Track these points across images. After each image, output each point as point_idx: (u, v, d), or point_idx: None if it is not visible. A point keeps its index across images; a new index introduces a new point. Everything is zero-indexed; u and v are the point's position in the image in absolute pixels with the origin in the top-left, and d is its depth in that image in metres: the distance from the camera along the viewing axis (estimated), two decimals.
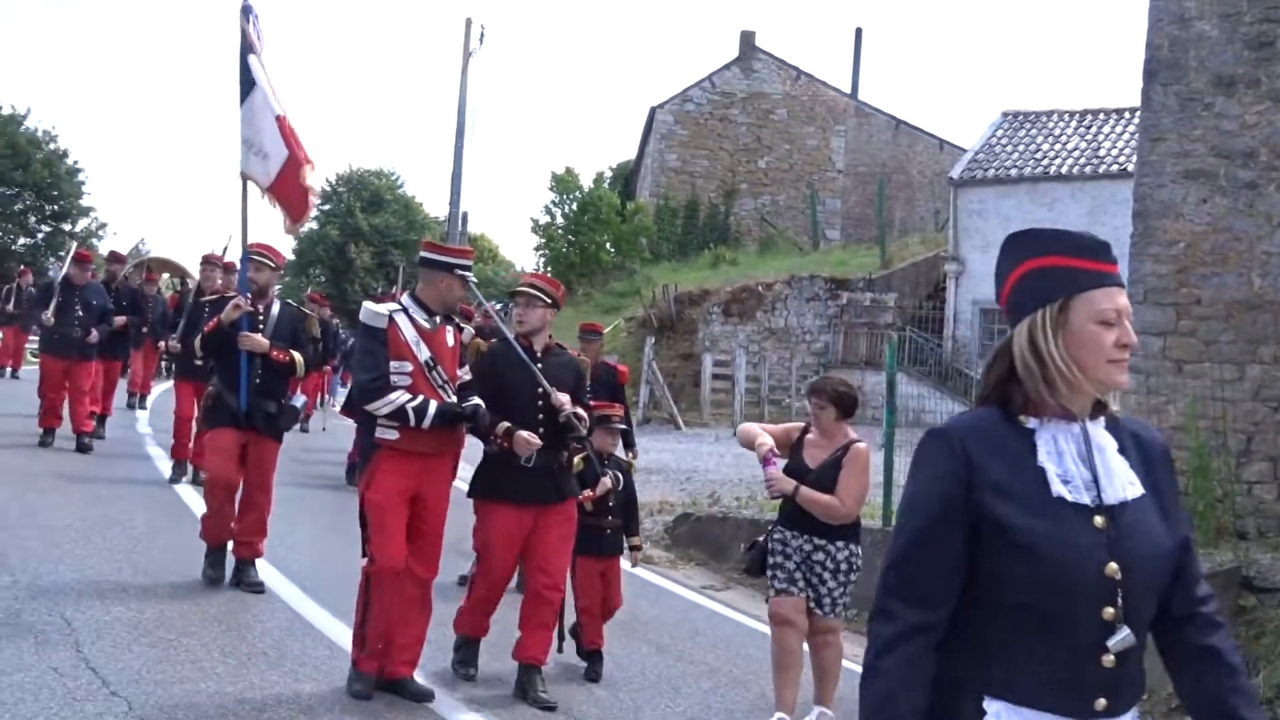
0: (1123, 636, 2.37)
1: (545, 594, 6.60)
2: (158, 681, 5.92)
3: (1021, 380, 2.47)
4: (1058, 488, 2.39)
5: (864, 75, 53.50)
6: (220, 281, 12.17)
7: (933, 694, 2.36)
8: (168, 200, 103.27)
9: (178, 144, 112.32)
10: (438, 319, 6.44)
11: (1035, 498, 2.38)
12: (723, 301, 30.19)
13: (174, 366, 13.17)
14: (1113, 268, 2.48)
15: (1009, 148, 29.34)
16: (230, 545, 8.22)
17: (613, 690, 7.01)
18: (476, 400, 6.45)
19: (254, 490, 8.27)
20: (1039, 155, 28.61)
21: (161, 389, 18.06)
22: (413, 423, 6.14)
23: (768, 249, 38.08)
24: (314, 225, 54.66)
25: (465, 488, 6.87)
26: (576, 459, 6.89)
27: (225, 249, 13.32)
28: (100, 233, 49.42)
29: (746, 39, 43.69)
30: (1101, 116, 29.41)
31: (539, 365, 6.65)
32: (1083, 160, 27.79)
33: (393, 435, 6.20)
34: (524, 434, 6.41)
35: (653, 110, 43.49)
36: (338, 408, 13.24)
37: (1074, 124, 29.49)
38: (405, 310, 6.39)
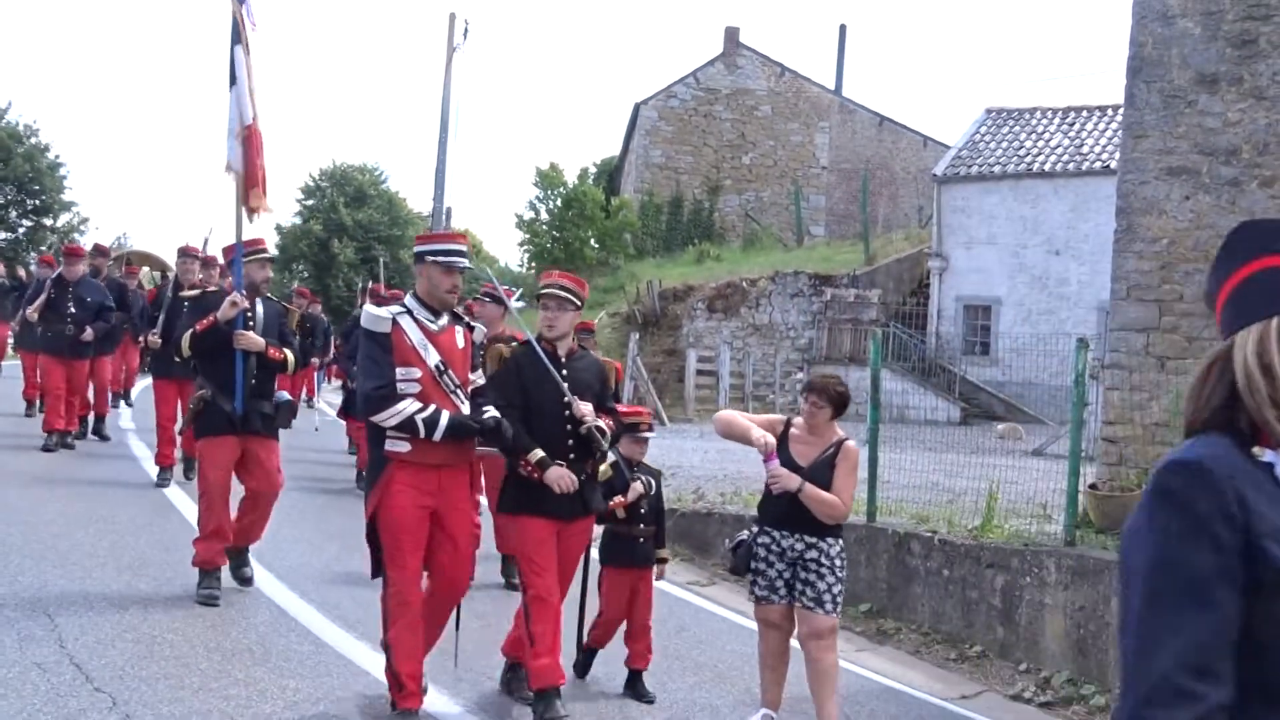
0: None
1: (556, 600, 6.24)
2: (142, 678, 5.91)
3: (1243, 402, 2.03)
4: None
5: (848, 72, 53.73)
6: (200, 275, 11.96)
7: None
8: (149, 194, 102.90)
9: (158, 137, 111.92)
10: (445, 318, 6.04)
11: None
12: (707, 297, 30.23)
13: (152, 364, 12.65)
14: None
15: (992, 145, 29.43)
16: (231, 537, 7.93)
17: (598, 685, 7.02)
18: (493, 412, 6.02)
19: (260, 497, 7.97)
20: (1022, 152, 28.71)
21: (143, 384, 17.85)
22: (423, 435, 5.72)
23: (752, 245, 38.12)
24: (297, 220, 54.66)
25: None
26: (604, 466, 6.46)
27: (205, 241, 13.06)
28: (82, 227, 49.16)
29: (731, 35, 43.69)
30: (1085, 114, 29.52)
31: (564, 372, 6.24)
32: (1066, 157, 27.90)
33: (403, 447, 5.78)
34: (560, 472, 6.03)
35: (637, 106, 43.47)
36: (320, 403, 12.97)
37: (1057, 121, 29.60)
38: (409, 311, 5.95)
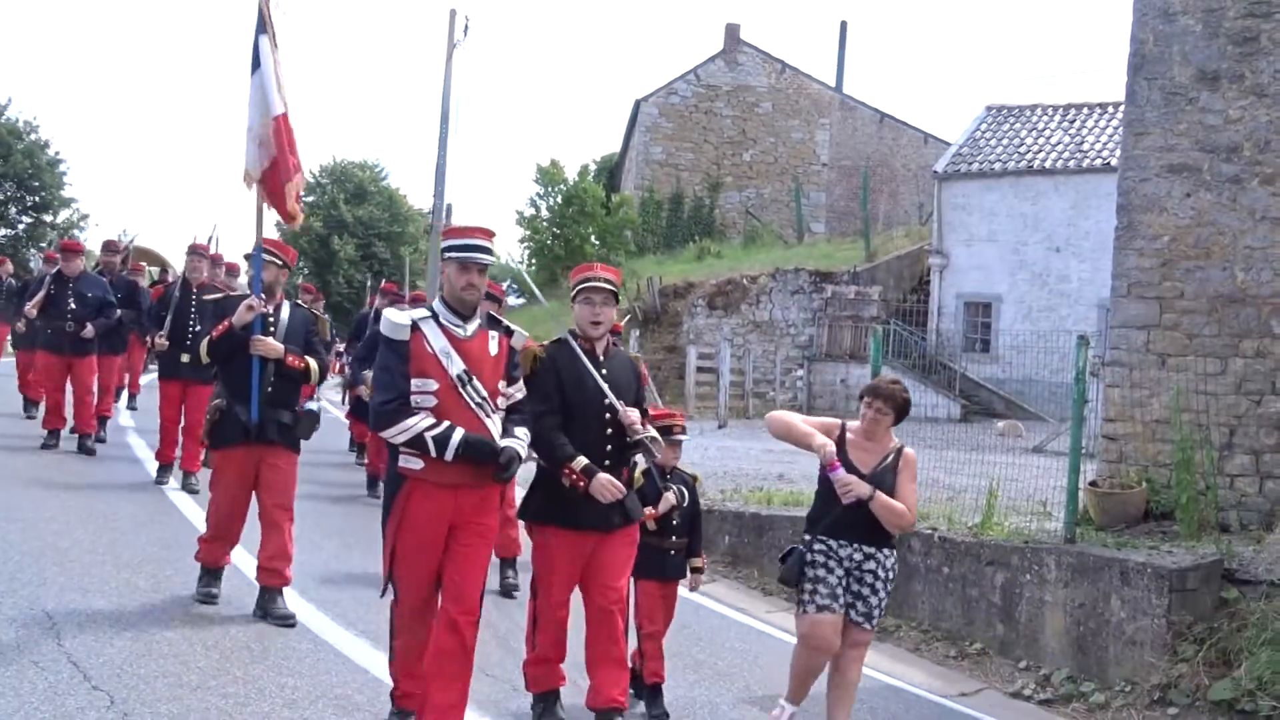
0: None
1: (609, 611, 5.90)
2: (140, 675, 5.89)
3: None
4: None
5: (849, 69, 53.62)
6: (207, 274, 11.84)
7: None
8: (149, 190, 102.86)
9: (159, 133, 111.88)
10: (476, 322, 5.50)
11: None
12: (707, 294, 30.23)
13: (159, 364, 12.19)
14: None
15: (993, 142, 29.43)
16: (255, 573, 7.50)
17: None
18: (517, 439, 5.49)
19: (274, 510, 7.47)
20: (1023, 149, 28.71)
21: (146, 381, 17.75)
22: (433, 454, 5.25)
23: (752, 242, 38.12)
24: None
25: None
26: (636, 473, 6.08)
27: (211, 239, 12.92)
28: (82, 224, 49.21)
29: (731, 32, 43.69)
30: (1085, 111, 29.53)
31: (603, 372, 5.88)
32: (1066, 154, 27.90)
33: (417, 465, 5.32)
34: (607, 480, 5.69)
35: (637, 103, 43.47)
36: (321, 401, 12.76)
37: (1058, 118, 29.60)
38: (434, 316, 5.45)
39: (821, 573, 6.16)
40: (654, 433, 5.89)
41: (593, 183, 42.95)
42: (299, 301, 8.00)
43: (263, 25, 7.77)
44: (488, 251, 5.50)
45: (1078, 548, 8.90)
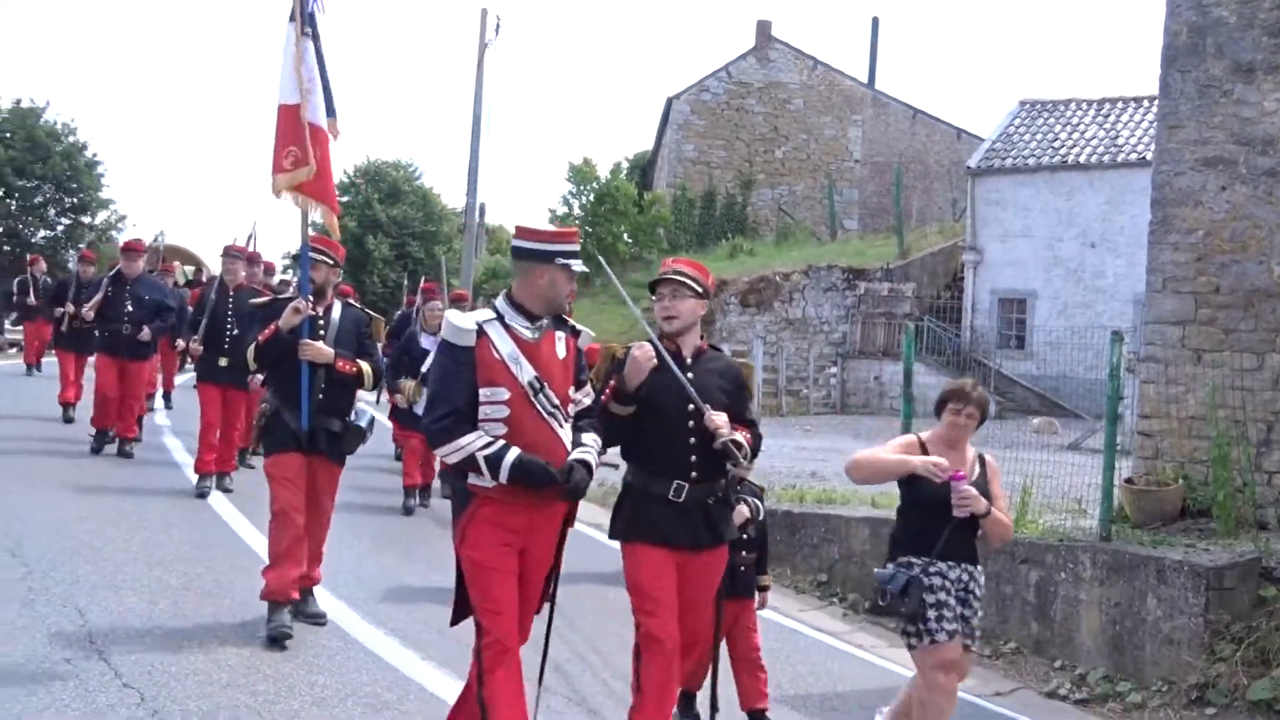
0: None
1: (691, 646, 5.57)
2: (170, 673, 5.92)
3: None
4: None
5: (881, 65, 53.43)
6: (244, 275, 11.71)
7: None
8: (186, 190, 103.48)
9: (194, 133, 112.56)
10: (543, 324, 5.05)
11: None
12: (740, 292, 30.14)
13: (197, 368, 11.87)
14: None
15: (1027, 137, 29.22)
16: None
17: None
18: (586, 447, 5.07)
19: (313, 519, 7.20)
20: (1057, 144, 28.49)
21: (181, 381, 17.81)
22: (486, 475, 4.81)
23: (785, 239, 38.00)
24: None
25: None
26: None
27: (250, 238, 12.71)
28: (119, 225, 49.54)
29: (763, 29, 43.56)
30: (1120, 105, 29.28)
31: (689, 375, 5.39)
32: (1101, 149, 27.67)
33: (487, 482, 4.86)
34: (636, 353, 5.21)
35: (669, 100, 43.41)
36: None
37: (1092, 112, 29.36)
38: (499, 318, 4.99)
39: (943, 596, 5.80)
40: (740, 437, 5.32)
41: (625, 181, 42.91)
42: (350, 301, 7.68)
43: (294, 14, 7.46)
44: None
45: (1113, 546, 8.83)
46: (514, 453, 4.78)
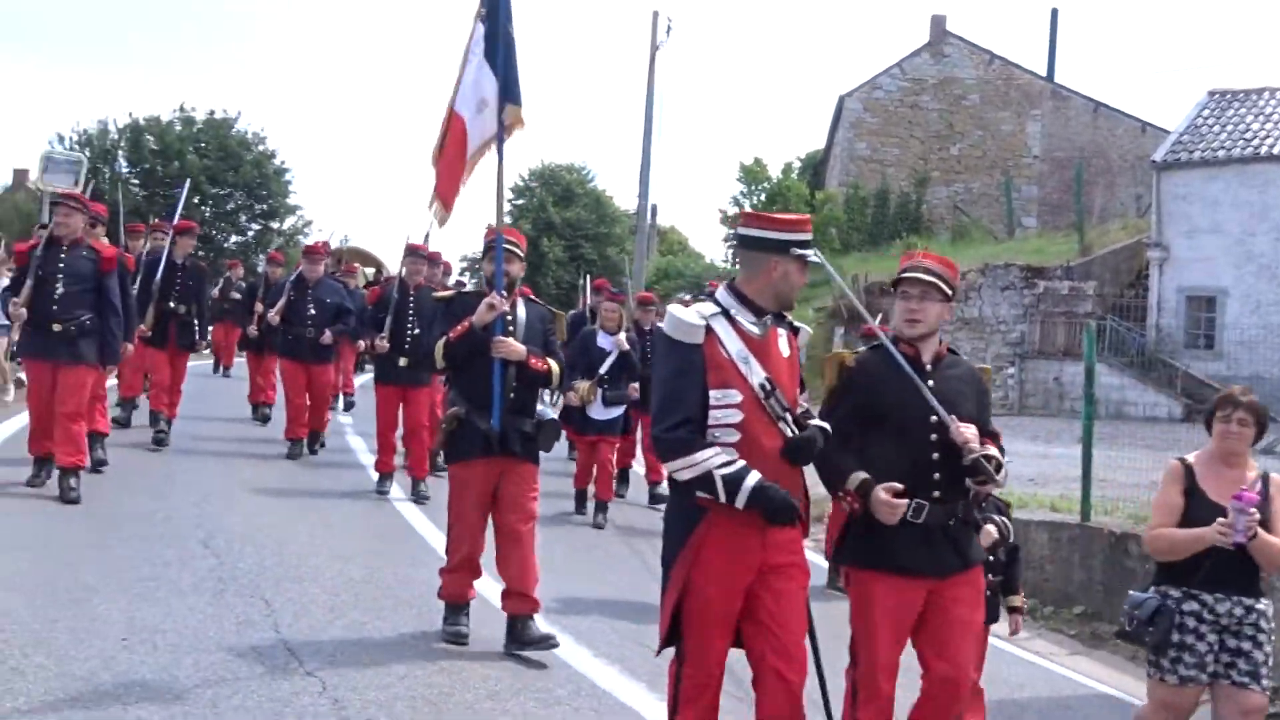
0: None
1: (952, 680, 4.85)
2: (352, 663, 6.07)
3: None
4: None
5: (1061, 57, 52.15)
6: (425, 275, 11.67)
7: None
8: (366, 193, 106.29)
9: (373, 135, 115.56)
10: (767, 320, 4.62)
11: None
12: None
13: (374, 368, 11.97)
14: None
15: (1215, 128, 28.14)
16: (500, 601, 6.90)
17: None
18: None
19: (516, 525, 6.82)
20: (1248, 135, 27.36)
21: (360, 382, 18.20)
22: (721, 498, 4.36)
23: (961, 238, 37.36)
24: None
25: None
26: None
27: (426, 237, 12.44)
28: (306, 230, 51.26)
29: (937, 23, 42.91)
30: None
31: (930, 383, 4.86)
32: None
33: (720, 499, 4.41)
34: (886, 496, 4.66)
35: (841, 99, 43.07)
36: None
37: None
38: (725, 312, 4.57)
39: (1190, 639, 5.38)
40: (994, 452, 4.81)
41: (797, 180, 42.81)
42: (533, 298, 7.46)
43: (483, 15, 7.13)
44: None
45: None
46: (754, 477, 4.35)
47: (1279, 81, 29.40)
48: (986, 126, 42.35)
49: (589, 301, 14.12)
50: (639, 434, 12.75)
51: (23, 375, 15.52)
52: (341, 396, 17.19)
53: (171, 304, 12.45)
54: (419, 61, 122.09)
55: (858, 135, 42.58)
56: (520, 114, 7.02)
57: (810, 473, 4.77)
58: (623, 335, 11.71)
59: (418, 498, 10.90)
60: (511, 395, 6.78)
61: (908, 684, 4.91)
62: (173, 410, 12.53)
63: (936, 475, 4.79)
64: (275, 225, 51.14)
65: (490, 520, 6.87)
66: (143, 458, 11.47)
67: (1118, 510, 10.39)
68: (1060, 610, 9.89)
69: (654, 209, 31.39)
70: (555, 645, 6.60)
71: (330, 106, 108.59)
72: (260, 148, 50.59)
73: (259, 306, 14.20)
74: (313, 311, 12.76)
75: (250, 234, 51.13)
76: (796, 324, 4.84)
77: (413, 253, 11.71)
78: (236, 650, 6.02)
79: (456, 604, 6.83)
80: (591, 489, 11.54)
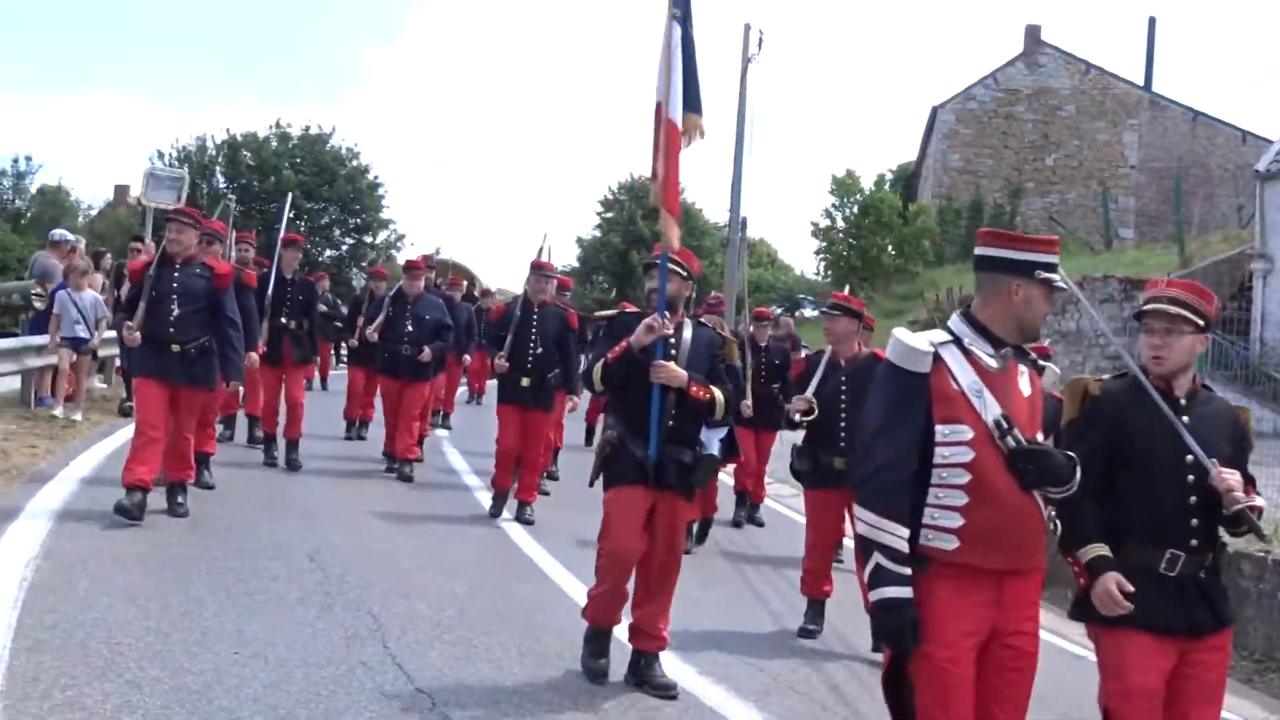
0: None
1: None
2: (459, 679, 6.07)
3: None
4: None
5: (1158, 66, 51.27)
6: (549, 292, 11.22)
7: None
8: (459, 206, 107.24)
9: (465, 149, 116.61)
10: (1007, 352, 4.13)
11: None
12: None
13: (498, 389, 11.45)
14: None
15: None
16: (626, 633, 6.63)
17: None
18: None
19: (663, 564, 6.53)
20: None
21: (460, 395, 18.22)
22: (864, 575, 4.07)
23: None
24: (596, 233, 56.16)
25: None
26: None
27: (541, 251, 11.92)
28: (399, 244, 51.92)
29: (1032, 33, 42.51)
30: None
31: (1185, 419, 4.40)
32: None
33: (949, 543, 3.94)
34: (1115, 591, 4.23)
35: (934, 110, 42.79)
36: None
37: None
38: (957, 340, 4.11)
39: None
40: (1260, 502, 4.40)
41: (889, 192, 42.46)
42: (703, 321, 7.06)
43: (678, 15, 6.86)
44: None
45: None
46: (901, 592, 3.86)
47: None
48: (1082, 136, 41.85)
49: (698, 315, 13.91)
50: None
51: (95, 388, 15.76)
52: (441, 414, 17.06)
53: (284, 319, 12.40)
54: (514, 73, 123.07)
55: (951, 146, 42.26)
56: (700, 122, 6.77)
57: None
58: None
59: (523, 521, 10.66)
60: (670, 423, 6.46)
61: None
62: (296, 429, 12.30)
63: (1193, 523, 4.39)
64: (369, 239, 51.82)
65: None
66: (246, 473, 11.58)
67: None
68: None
69: (744, 221, 31.28)
70: (674, 697, 6.29)
71: (421, 120, 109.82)
72: (354, 163, 51.32)
73: (360, 322, 14.05)
74: (410, 328, 12.49)
75: (344, 248, 51.86)
76: (1041, 361, 4.34)
77: (537, 269, 11.25)
78: (346, 665, 6.04)
79: (602, 629, 6.54)
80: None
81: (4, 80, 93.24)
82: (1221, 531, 4.49)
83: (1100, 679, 4.54)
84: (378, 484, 11.92)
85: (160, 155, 51.11)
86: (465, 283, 21.67)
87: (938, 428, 3.97)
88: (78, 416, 13.41)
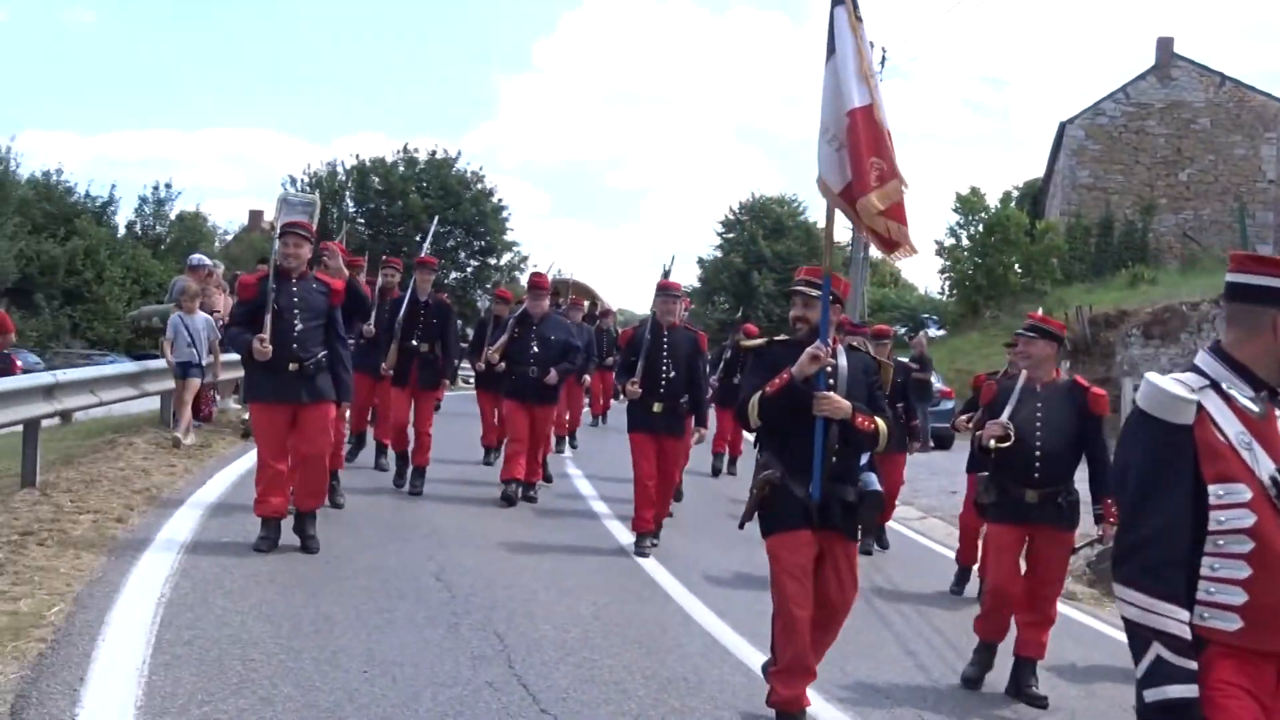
0: None
1: None
2: (583, 701, 6.08)
3: None
4: None
5: None
6: (678, 314, 11.01)
7: None
8: (577, 227, 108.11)
9: (580, 165, 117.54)
10: (1265, 396, 3.42)
11: None
12: (1142, 323, 28.64)
13: (628, 416, 10.91)
14: None
15: None
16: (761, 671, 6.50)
17: None
18: None
19: (833, 611, 6.23)
20: None
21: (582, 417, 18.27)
22: (1140, 669, 3.25)
23: (1191, 267, 35.92)
24: (718, 253, 56.22)
25: None
26: None
27: (668, 271, 11.65)
28: (522, 265, 52.48)
29: (1164, 46, 41.58)
30: None
31: None
32: None
33: (1230, 623, 3.22)
34: None
35: (1062, 125, 42.04)
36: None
37: None
38: (1214, 384, 3.39)
39: None
40: None
41: (1015, 209, 41.82)
42: (855, 345, 6.68)
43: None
44: None
45: None
46: (1188, 691, 3.16)
47: None
48: (1217, 151, 40.82)
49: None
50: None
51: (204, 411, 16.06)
52: (566, 438, 16.89)
53: (414, 342, 12.21)
54: (636, 93, 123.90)
55: (1080, 162, 41.49)
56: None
57: None
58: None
59: (640, 550, 10.26)
60: (834, 459, 6.09)
61: None
62: (423, 456, 12.13)
63: None
64: (493, 261, 52.49)
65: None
66: (372, 496, 11.71)
67: None
68: None
69: (867, 242, 31.02)
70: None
71: (537, 136, 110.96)
72: (479, 186, 52.06)
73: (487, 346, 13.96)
74: (536, 350, 12.03)
75: (469, 270, 52.60)
76: None
77: (664, 290, 10.92)
78: (472, 685, 6.08)
79: (790, 713, 6.05)
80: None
81: (148, 113, 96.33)
82: None
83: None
84: (498, 506, 11.94)
85: (292, 180, 52.48)
86: (586, 302, 21.68)
87: (1210, 488, 3.28)
88: (190, 440, 13.31)
